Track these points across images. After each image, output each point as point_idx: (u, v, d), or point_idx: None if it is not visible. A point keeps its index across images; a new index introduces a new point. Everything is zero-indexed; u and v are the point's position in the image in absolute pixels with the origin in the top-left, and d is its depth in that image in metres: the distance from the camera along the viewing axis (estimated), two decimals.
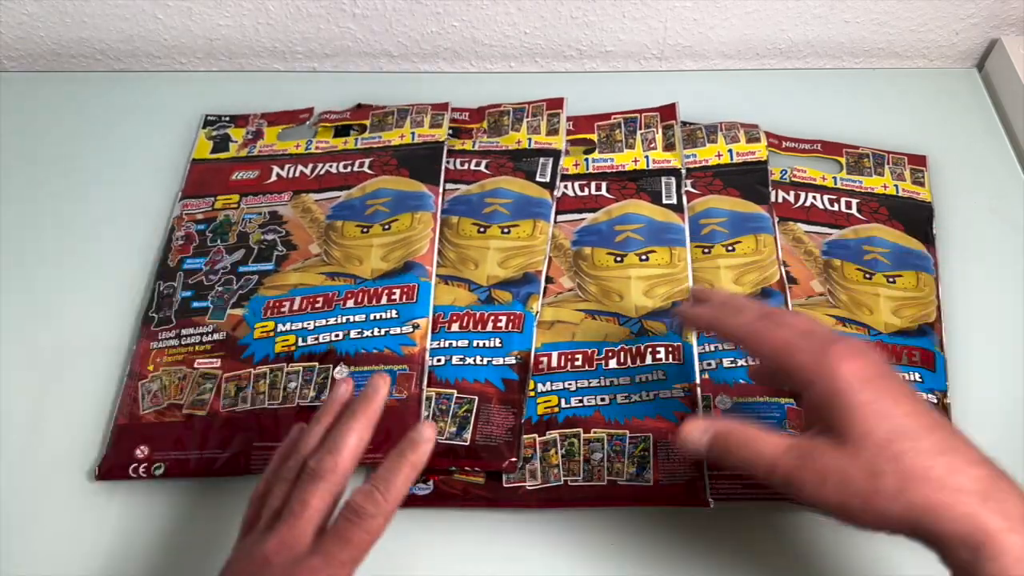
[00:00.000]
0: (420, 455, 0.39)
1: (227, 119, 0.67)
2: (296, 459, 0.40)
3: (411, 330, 0.53)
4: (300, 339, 0.53)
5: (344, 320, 0.54)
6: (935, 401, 0.51)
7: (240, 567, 0.37)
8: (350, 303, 0.55)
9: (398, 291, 0.55)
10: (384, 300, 0.54)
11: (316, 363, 0.52)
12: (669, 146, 0.62)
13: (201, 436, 0.51)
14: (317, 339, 0.53)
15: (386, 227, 0.58)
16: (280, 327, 0.54)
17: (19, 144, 0.67)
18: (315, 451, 0.39)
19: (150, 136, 0.67)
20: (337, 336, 0.53)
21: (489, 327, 0.53)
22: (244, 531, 0.40)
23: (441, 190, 0.60)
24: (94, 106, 0.69)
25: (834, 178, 0.62)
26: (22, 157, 0.66)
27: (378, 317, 0.54)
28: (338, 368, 0.52)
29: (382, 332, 0.53)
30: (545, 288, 0.56)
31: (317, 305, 0.55)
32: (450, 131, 0.64)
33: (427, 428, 0.39)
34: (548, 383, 0.52)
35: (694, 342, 0.52)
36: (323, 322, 0.54)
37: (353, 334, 0.53)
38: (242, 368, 0.53)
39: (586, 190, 0.61)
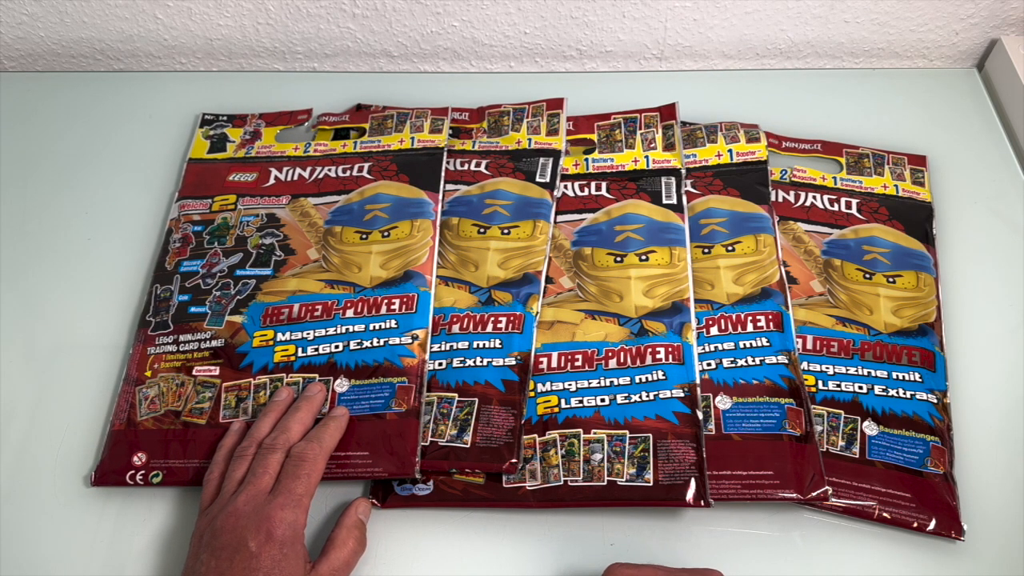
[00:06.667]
0: (321, 407, 0.50)
1: (224, 118, 0.67)
2: (250, 442, 0.48)
3: (410, 341, 0.53)
4: (300, 349, 0.53)
5: (344, 330, 0.54)
6: (935, 401, 0.51)
7: (217, 524, 0.43)
8: (349, 312, 0.54)
9: (397, 301, 0.55)
10: (384, 310, 0.54)
11: (316, 375, 0.52)
12: (669, 146, 0.62)
13: (200, 446, 0.50)
14: (317, 350, 0.53)
15: (385, 234, 0.58)
16: (280, 336, 0.54)
17: (18, 144, 0.67)
18: (268, 435, 0.48)
19: (150, 136, 0.67)
20: (337, 347, 0.53)
21: (489, 328, 0.53)
22: (204, 505, 0.46)
23: (441, 197, 0.60)
24: (94, 106, 0.69)
25: (834, 178, 0.62)
26: (21, 157, 0.66)
27: (377, 327, 0.54)
28: (338, 381, 0.52)
29: (381, 343, 0.53)
30: (545, 288, 0.56)
31: (316, 314, 0.55)
32: (450, 132, 0.64)
33: (311, 387, 0.51)
34: (548, 383, 0.52)
35: (694, 342, 0.52)
36: (322, 332, 0.54)
37: (353, 345, 0.53)
38: (241, 377, 0.53)
39: (586, 190, 0.61)
